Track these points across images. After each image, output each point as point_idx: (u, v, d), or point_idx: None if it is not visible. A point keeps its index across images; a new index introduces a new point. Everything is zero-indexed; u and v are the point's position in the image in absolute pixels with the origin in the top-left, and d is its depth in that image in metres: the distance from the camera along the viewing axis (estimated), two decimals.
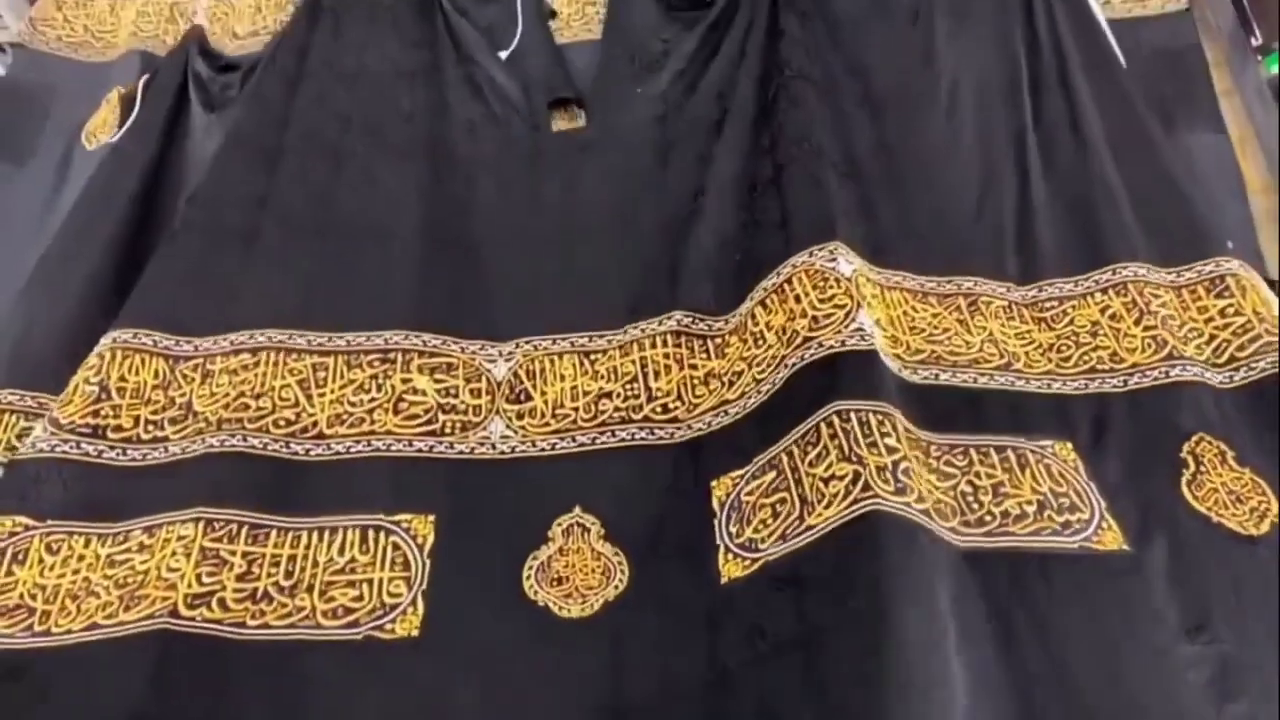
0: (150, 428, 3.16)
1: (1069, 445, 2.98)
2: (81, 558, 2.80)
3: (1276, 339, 3.11)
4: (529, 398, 3.33)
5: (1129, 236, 3.47)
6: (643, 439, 3.19)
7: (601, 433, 3.22)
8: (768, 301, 3.30)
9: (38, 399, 3.40)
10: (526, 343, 3.47)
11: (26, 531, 2.82)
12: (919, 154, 3.77)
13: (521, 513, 3.04)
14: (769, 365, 3.13)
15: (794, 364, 3.02)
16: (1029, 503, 2.78)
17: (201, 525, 2.80)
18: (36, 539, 2.82)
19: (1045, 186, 3.67)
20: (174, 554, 2.77)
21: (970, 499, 2.75)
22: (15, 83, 5.04)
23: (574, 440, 3.22)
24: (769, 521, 2.74)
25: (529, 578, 2.86)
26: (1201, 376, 3.12)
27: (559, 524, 2.98)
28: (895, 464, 2.65)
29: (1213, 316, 3.28)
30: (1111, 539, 2.73)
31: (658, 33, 4.40)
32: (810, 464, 2.77)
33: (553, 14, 4.64)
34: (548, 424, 3.27)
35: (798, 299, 3.19)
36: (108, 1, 5.29)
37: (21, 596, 2.67)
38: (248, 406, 3.19)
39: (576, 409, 3.30)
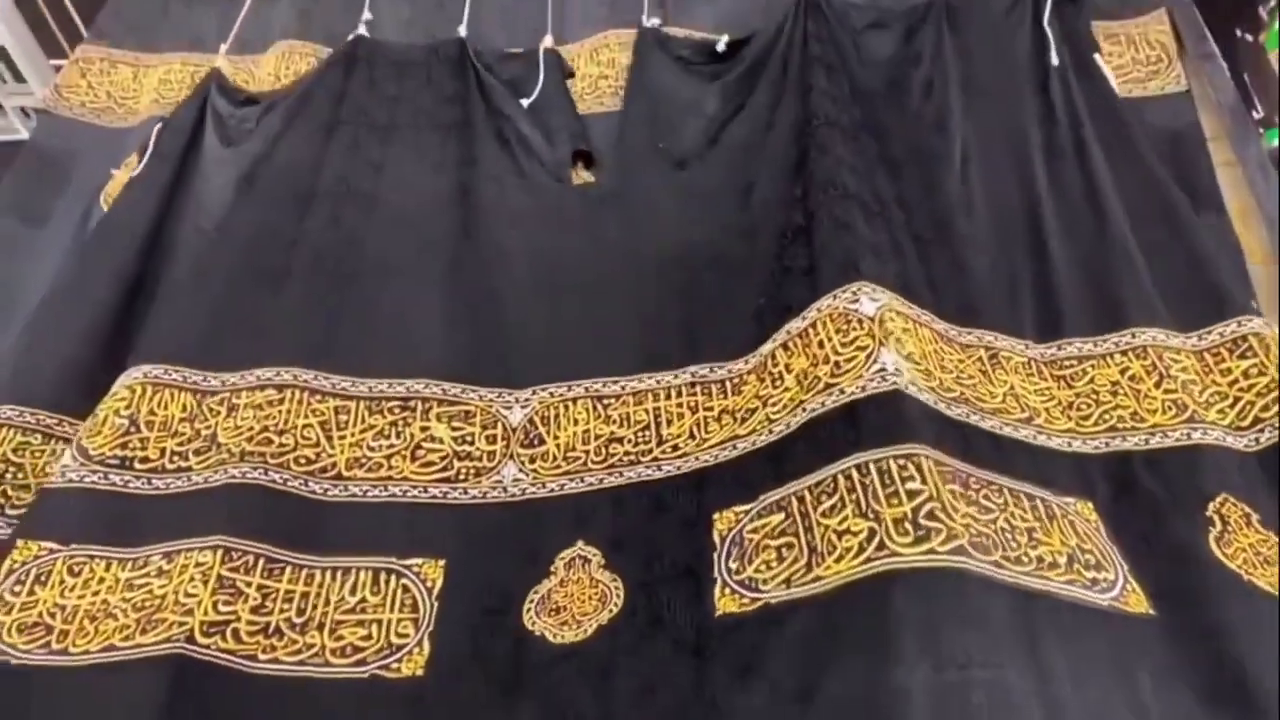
0: (175, 458, 3.24)
1: (1090, 505, 2.96)
2: (101, 580, 2.86)
3: None
4: (542, 442, 3.40)
5: (1148, 302, 3.49)
6: (648, 475, 3.25)
7: (609, 473, 3.29)
8: (790, 344, 3.33)
9: (35, 415, 3.46)
10: (543, 390, 3.55)
11: (50, 555, 2.90)
12: (935, 212, 3.85)
13: (527, 551, 3.05)
14: (785, 407, 3.15)
15: (813, 410, 3.02)
16: (1059, 553, 2.71)
17: (220, 553, 2.88)
18: (60, 561, 2.89)
19: (1062, 249, 3.71)
20: (192, 580, 2.82)
21: (1009, 537, 2.71)
22: (38, 147, 5.15)
23: (582, 481, 3.29)
24: (773, 564, 2.73)
25: (529, 610, 2.89)
26: (1224, 441, 3.11)
27: (561, 558, 3.01)
28: (917, 509, 2.59)
29: (1236, 378, 3.28)
30: (1136, 602, 2.67)
31: (678, 91, 4.55)
32: (824, 514, 2.75)
33: (570, 74, 4.82)
34: (559, 466, 3.34)
35: (821, 344, 3.22)
36: (131, 69, 5.45)
37: (41, 615, 2.76)
38: (271, 441, 3.27)
39: (588, 451, 3.37)
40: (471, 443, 3.41)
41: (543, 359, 3.67)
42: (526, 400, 3.54)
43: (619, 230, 4.04)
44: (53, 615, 2.77)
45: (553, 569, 3.00)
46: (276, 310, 3.69)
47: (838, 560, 2.60)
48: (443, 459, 3.36)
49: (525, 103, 4.49)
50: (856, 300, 3.24)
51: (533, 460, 3.37)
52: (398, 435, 3.39)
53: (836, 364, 3.11)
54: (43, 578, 2.85)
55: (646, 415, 3.43)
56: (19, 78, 6.64)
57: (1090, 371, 3.38)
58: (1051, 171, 3.94)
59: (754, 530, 2.87)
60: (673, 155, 4.29)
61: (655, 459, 3.28)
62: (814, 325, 3.29)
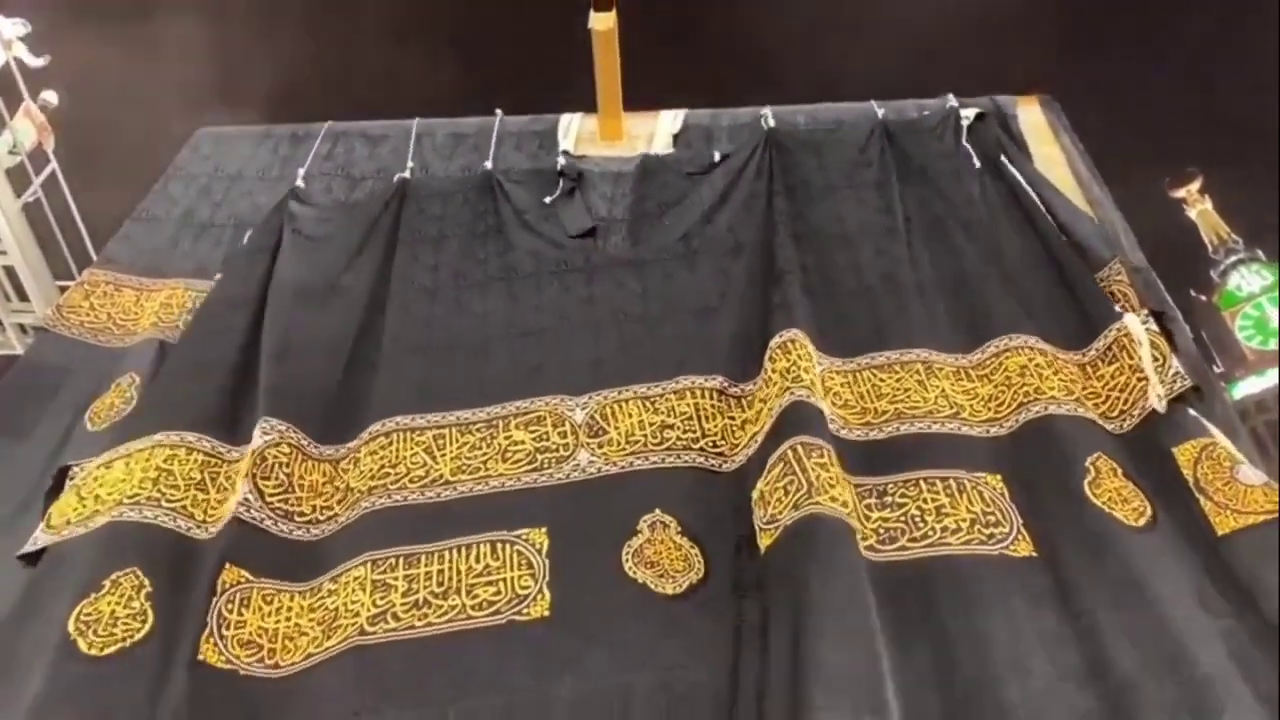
0: (325, 512, 4.20)
1: (999, 477, 3.95)
2: (289, 609, 3.77)
3: (1151, 387, 4.09)
4: (605, 432, 4.36)
5: (1045, 325, 4.59)
6: (700, 463, 4.19)
7: (668, 455, 4.23)
8: (773, 354, 4.37)
9: (181, 436, 4.24)
10: (598, 394, 4.54)
11: (247, 583, 3.75)
12: (888, 272, 5.07)
13: (612, 514, 3.95)
14: (776, 395, 4.17)
15: (798, 395, 4.07)
16: (964, 520, 3.75)
17: (369, 565, 3.82)
18: (255, 591, 3.75)
19: (981, 288, 4.89)
20: (353, 590, 3.74)
21: (917, 519, 3.78)
22: (31, 363, 5.25)
23: (647, 460, 4.23)
24: (782, 499, 3.68)
25: (627, 560, 3.75)
26: (1100, 422, 4.14)
27: (645, 520, 3.89)
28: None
29: (1108, 381, 4.31)
30: (1024, 548, 3.68)
31: (675, 185, 5.94)
32: (814, 464, 3.73)
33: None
34: (623, 449, 4.28)
35: (799, 357, 4.30)
36: (134, 293, 5.61)
37: (251, 635, 3.61)
38: (388, 474, 4.26)
39: (645, 435, 4.32)
40: (547, 439, 4.34)
41: (591, 375, 4.64)
42: (585, 404, 4.50)
43: (638, 280, 5.25)
44: (260, 635, 3.61)
45: (638, 529, 3.85)
46: (374, 385, 4.74)
47: (827, 498, 3.59)
48: (527, 455, 4.28)
49: (548, 200, 5.90)
50: (811, 357, 4.34)
51: (601, 446, 4.29)
52: (488, 445, 4.34)
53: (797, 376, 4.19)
54: (245, 602, 3.68)
55: (689, 407, 4.40)
56: (23, 296, 6.84)
57: (1005, 362, 4.41)
58: (970, 238, 5.24)
59: (767, 484, 3.81)
60: (673, 231, 5.57)
61: (702, 449, 4.24)
62: (792, 340, 4.37)
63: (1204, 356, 4.58)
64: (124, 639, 3.48)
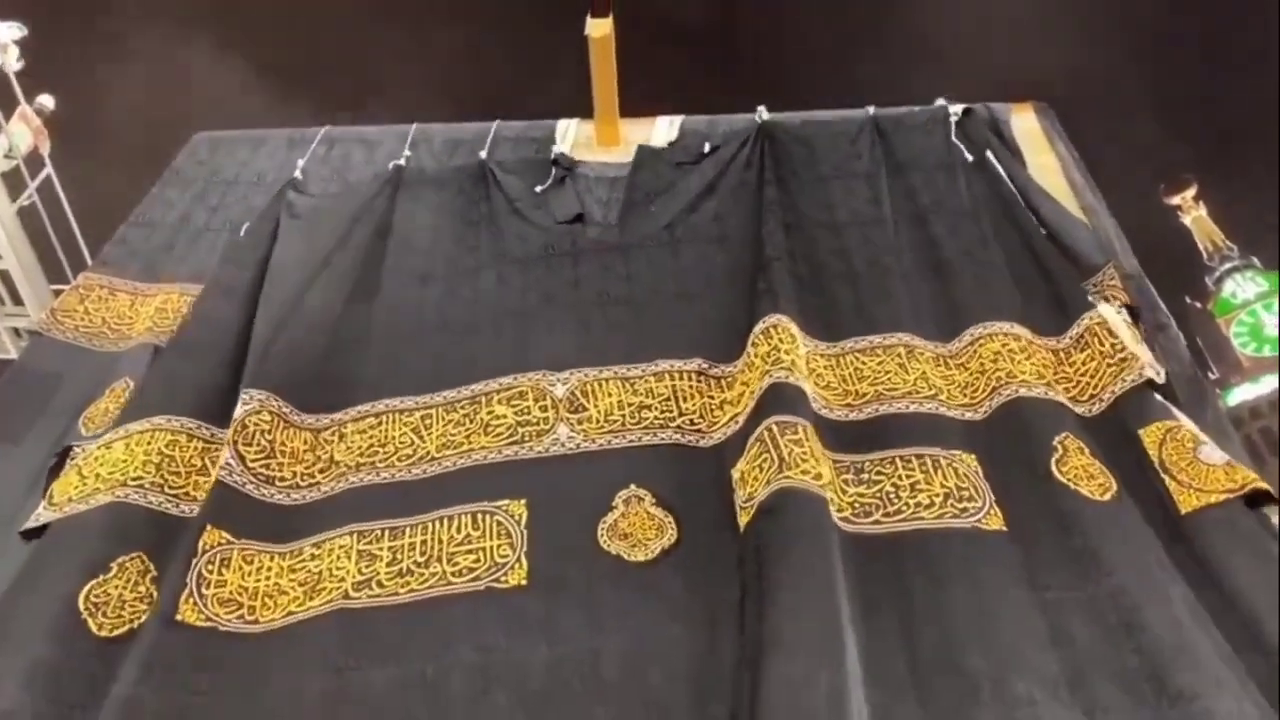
0: (306, 478, 4.31)
1: (973, 456, 4.09)
2: (269, 569, 3.86)
3: (1125, 370, 4.29)
4: (585, 409, 4.47)
5: (1021, 311, 4.76)
6: (677, 439, 4.32)
7: (645, 433, 4.35)
8: (756, 339, 4.51)
9: (180, 421, 4.35)
10: (579, 372, 4.64)
11: (228, 544, 3.84)
12: (874, 258, 5.26)
13: (589, 490, 4.07)
14: (757, 379, 4.30)
15: (777, 377, 4.20)
16: (937, 495, 3.89)
17: (355, 536, 3.94)
18: (235, 551, 3.84)
19: (961, 277, 5.07)
20: (338, 558, 3.86)
21: (892, 495, 3.92)
22: (24, 368, 5.24)
23: (624, 438, 4.34)
24: (758, 476, 3.80)
25: (602, 535, 3.86)
26: (1069, 405, 4.31)
27: (620, 496, 4.01)
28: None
29: (1079, 367, 4.50)
30: (995, 521, 3.81)
31: (665, 175, 6.08)
32: (788, 440, 3.86)
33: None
34: (602, 426, 4.39)
35: (780, 340, 4.42)
36: (129, 297, 5.60)
37: (231, 593, 3.71)
38: (377, 453, 4.38)
39: (623, 415, 4.43)
40: (528, 414, 4.43)
41: (573, 354, 4.74)
42: (566, 379, 4.60)
43: (622, 265, 5.29)
44: (240, 594, 3.71)
45: (614, 504, 3.97)
46: (362, 368, 4.84)
47: (796, 465, 3.75)
48: (509, 429, 4.38)
49: (539, 189, 6.03)
50: (795, 340, 4.48)
51: (580, 423, 4.40)
52: (471, 421, 4.45)
53: (778, 358, 4.32)
54: (226, 562, 3.78)
55: (667, 389, 4.54)
56: (17, 300, 6.84)
57: (980, 349, 4.58)
58: (953, 229, 5.42)
59: (746, 463, 3.93)
60: (659, 219, 5.68)
61: (679, 428, 4.36)
62: (775, 326, 4.49)
63: (1199, 363, 4.59)
64: (131, 621, 3.64)
